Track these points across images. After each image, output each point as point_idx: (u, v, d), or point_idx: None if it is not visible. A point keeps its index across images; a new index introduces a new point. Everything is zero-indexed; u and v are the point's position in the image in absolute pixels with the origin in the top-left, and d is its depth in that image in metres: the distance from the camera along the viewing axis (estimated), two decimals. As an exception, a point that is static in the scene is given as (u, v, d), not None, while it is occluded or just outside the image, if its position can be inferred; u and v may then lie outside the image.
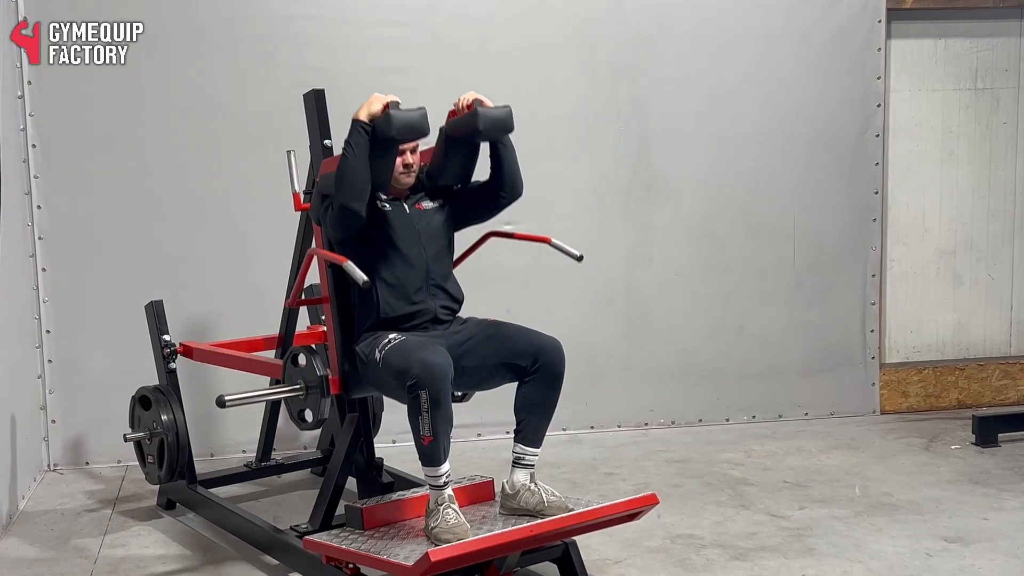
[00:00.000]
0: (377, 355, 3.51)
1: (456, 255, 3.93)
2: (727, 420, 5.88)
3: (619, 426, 5.78)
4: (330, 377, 3.77)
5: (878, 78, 5.85)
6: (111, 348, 5.24)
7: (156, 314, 4.58)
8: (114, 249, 5.26)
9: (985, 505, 4.42)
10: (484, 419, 5.49)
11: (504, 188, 3.80)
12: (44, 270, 5.22)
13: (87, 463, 5.31)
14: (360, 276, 3.43)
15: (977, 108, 6.03)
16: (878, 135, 5.88)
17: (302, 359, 3.91)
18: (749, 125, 5.77)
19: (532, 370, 3.54)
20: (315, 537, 3.52)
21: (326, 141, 4.12)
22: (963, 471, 4.90)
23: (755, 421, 5.89)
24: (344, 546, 3.37)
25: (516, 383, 3.60)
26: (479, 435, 5.55)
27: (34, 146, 5.15)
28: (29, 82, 5.11)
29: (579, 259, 3.97)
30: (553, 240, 4.00)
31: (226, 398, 3.80)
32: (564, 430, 5.70)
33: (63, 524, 4.45)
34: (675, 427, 5.81)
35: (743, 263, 5.84)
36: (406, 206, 3.73)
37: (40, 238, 5.20)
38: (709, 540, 4.07)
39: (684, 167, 5.73)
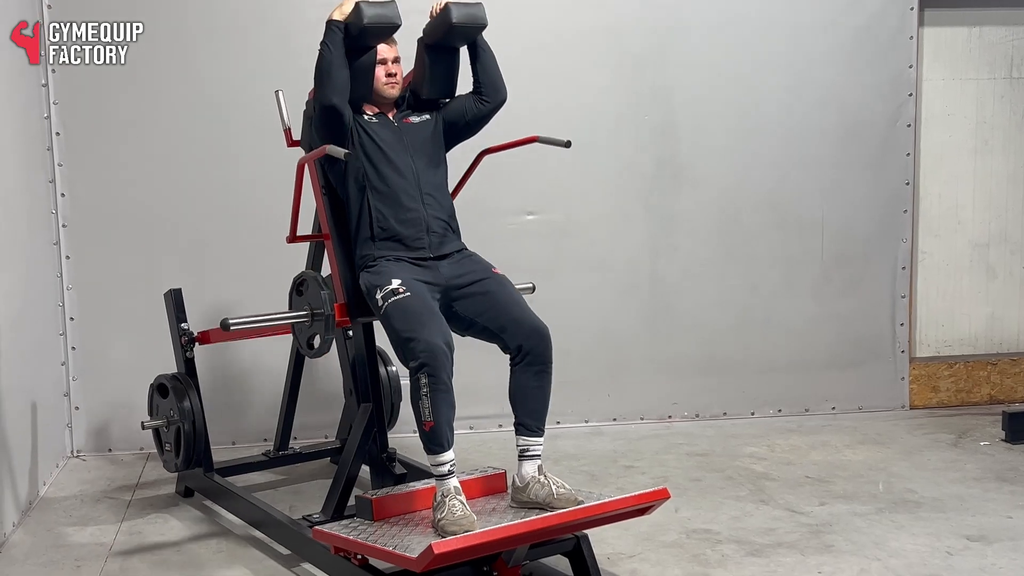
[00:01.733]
0: (380, 299, 3.53)
1: (452, 192, 3.99)
2: (752, 413, 5.80)
3: (642, 418, 5.73)
4: (335, 303, 3.81)
5: (910, 67, 5.74)
6: (135, 335, 5.27)
7: (175, 302, 4.59)
8: (137, 237, 5.28)
9: (1011, 503, 4.32)
10: (506, 409, 5.39)
11: (486, 91, 3.88)
12: (68, 257, 5.25)
13: (110, 450, 5.34)
14: (341, 150, 3.47)
15: (1012, 98, 5.89)
16: (909, 125, 5.77)
17: (307, 286, 3.91)
18: (776, 114, 5.68)
19: (519, 356, 3.54)
20: (324, 528, 3.50)
21: None
22: (990, 468, 4.80)
23: (780, 415, 5.81)
24: (352, 537, 3.35)
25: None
26: (500, 425, 5.51)
27: (58, 134, 5.18)
28: (53, 70, 5.13)
29: (567, 145, 4.03)
30: (540, 135, 4.07)
31: (230, 321, 3.81)
32: (586, 422, 5.66)
33: (82, 510, 4.48)
34: (699, 420, 5.75)
35: (770, 254, 5.76)
36: (393, 120, 3.80)
37: (64, 226, 5.23)
38: (726, 535, 4.01)
39: (709, 156, 5.66)
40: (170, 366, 4.65)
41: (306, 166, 3.87)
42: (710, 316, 5.75)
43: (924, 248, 5.90)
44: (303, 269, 4.60)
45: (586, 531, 3.59)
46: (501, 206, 5.44)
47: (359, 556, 3.40)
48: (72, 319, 5.27)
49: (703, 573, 3.66)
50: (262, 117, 5.25)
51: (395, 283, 3.51)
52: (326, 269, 4.39)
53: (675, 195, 5.66)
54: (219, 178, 5.32)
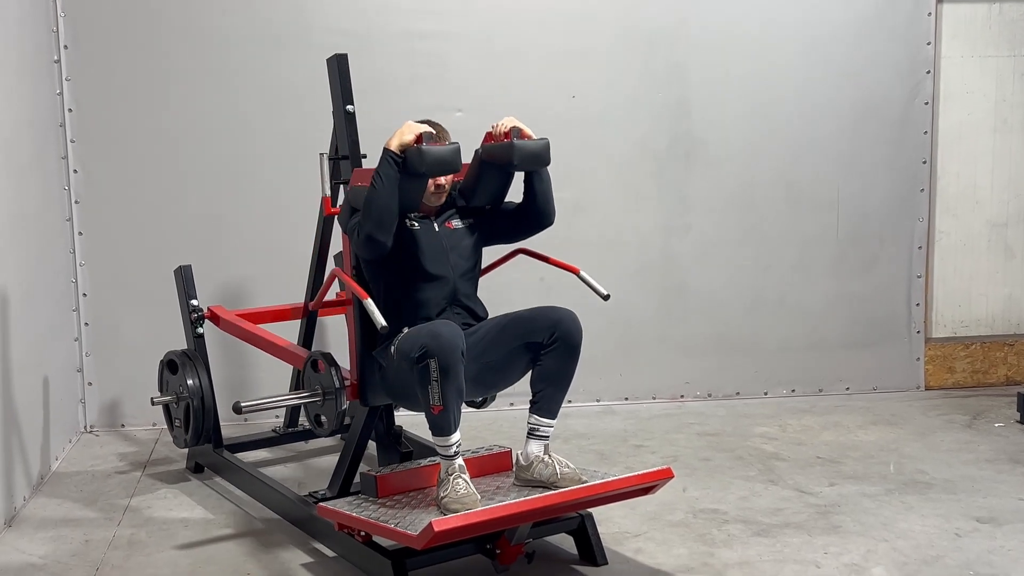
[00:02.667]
0: (392, 349, 3.49)
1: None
2: (765, 393, 5.77)
3: (654, 398, 5.71)
4: (348, 383, 3.74)
5: (928, 43, 5.67)
6: (147, 311, 5.28)
7: (184, 279, 4.60)
8: (149, 213, 5.29)
9: (1023, 485, 4.28)
10: (516, 388, 5.39)
11: (535, 217, 3.76)
12: (80, 234, 5.26)
13: (122, 425, 5.37)
14: (380, 321, 3.36)
15: (1033, 75, 5.83)
16: (927, 103, 5.71)
17: (321, 365, 3.88)
18: (791, 92, 5.63)
19: (549, 342, 3.48)
20: (328, 504, 3.51)
21: (348, 107, 4.09)
22: (1004, 449, 4.76)
23: (794, 395, 5.78)
24: (355, 513, 3.36)
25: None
26: (511, 404, 5.50)
27: (70, 110, 5.18)
28: (65, 46, 5.14)
29: (606, 298, 3.87)
30: (581, 272, 3.90)
31: (243, 405, 3.78)
32: (598, 401, 5.65)
33: (92, 485, 4.50)
34: (711, 400, 5.72)
35: (784, 233, 5.72)
36: (435, 224, 3.69)
37: (76, 202, 5.24)
38: (733, 515, 4.00)
39: (724, 134, 5.61)
40: (183, 343, 4.67)
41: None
42: (723, 295, 5.71)
43: (941, 228, 5.84)
44: (310, 255, 4.61)
45: (591, 510, 3.59)
46: (514, 185, 5.39)
47: (362, 533, 3.40)
48: (85, 295, 5.30)
49: (708, 552, 3.64)
50: (276, 94, 5.27)
51: (407, 329, 3.48)
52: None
53: (689, 173, 5.62)
54: (231, 155, 5.31)
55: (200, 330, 4.56)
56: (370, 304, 3.39)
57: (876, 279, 5.81)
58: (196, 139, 5.28)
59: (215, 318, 4.58)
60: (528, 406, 3.55)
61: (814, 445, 4.88)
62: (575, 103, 5.46)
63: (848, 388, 5.82)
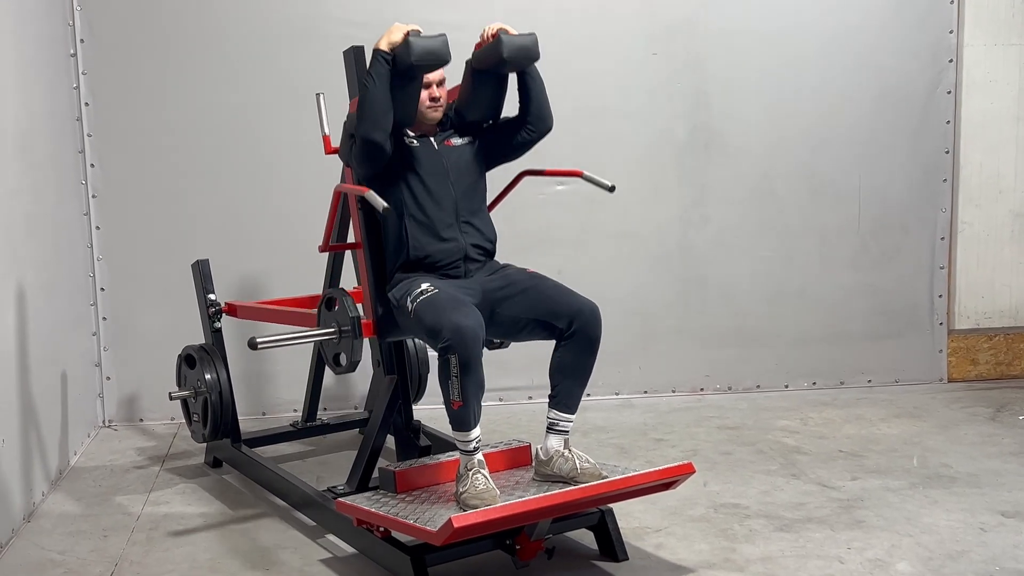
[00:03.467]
0: (409, 304, 3.46)
1: (490, 199, 3.88)
2: (786, 386, 5.73)
3: (673, 391, 5.67)
4: (363, 320, 3.74)
5: (950, 32, 5.60)
6: (165, 306, 5.28)
7: (202, 273, 4.59)
8: (167, 207, 5.29)
9: (1049, 479, 4.24)
10: (535, 382, 5.42)
11: (532, 121, 3.76)
12: (98, 228, 5.26)
13: (141, 420, 5.37)
14: (380, 203, 3.40)
15: (1057, 64, 5.74)
16: (950, 92, 5.64)
17: (336, 303, 3.88)
18: (812, 81, 5.57)
19: (568, 334, 3.45)
20: (347, 499, 3.49)
21: None
22: (1029, 443, 4.71)
23: (815, 388, 5.73)
24: (374, 509, 3.34)
25: (552, 343, 3.51)
26: (530, 398, 5.48)
27: (87, 104, 5.17)
28: (82, 40, 5.13)
29: (611, 189, 3.92)
30: (585, 172, 3.93)
31: (258, 340, 3.77)
32: (616, 394, 5.61)
33: (110, 480, 4.50)
34: (731, 393, 5.68)
35: (804, 224, 5.66)
36: (434, 142, 3.70)
37: (94, 196, 5.24)
38: (754, 510, 3.96)
39: (743, 125, 5.56)
40: (201, 337, 4.66)
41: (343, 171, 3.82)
42: (743, 287, 5.67)
43: (964, 218, 5.77)
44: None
45: (611, 505, 3.56)
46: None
47: (381, 528, 3.38)
48: (103, 289, 5.30)
49: (730, 548, 3.61)
50: (292, 86, 5.24)
51: (424, 285, 3.47)
52: (346, 278, 4.38)
53: (708, 164, 5.57)
54: (248, 148, 5.30)
55: (218, 324, 4.54)
56: (371, 194, 3.43)
57: (898, 270, 5.75)
58: (213, 132, 5.27)
59: (233, 310, 4.57)
60: (547, 400, 3.52)
61: (836, 438, 4.84)
62: (593, 94, 5.42)
63: (870, 380, 5.77)
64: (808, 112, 5.59)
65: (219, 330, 4.55)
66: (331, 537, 3.77)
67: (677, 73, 5.50)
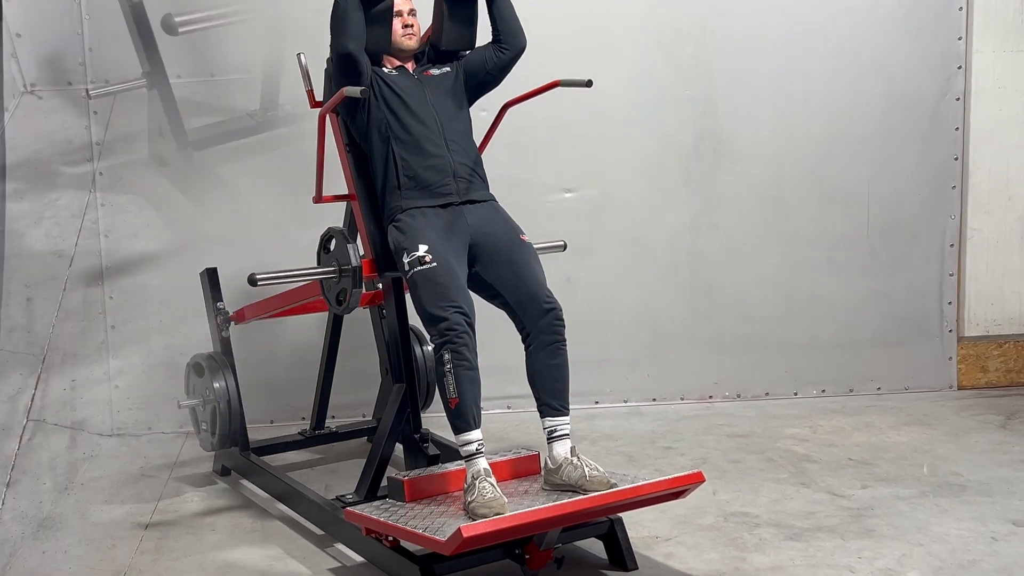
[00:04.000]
0: (406, 264, 3.51)
1: (479, 144, 3.96)
2: (795, 394, 5.71)
3: (682, 399, 5.65)
4: (363, 259, 3.80)
5: (959, 38, 5.58)
6: (175, 314, 5.27)
7: (210, 281, 4.59)
8: (175, 213, 5.28)
9: (1060, 487, 4.22)
10: (543, 389, 5.39)
11: (505, 39, 3.86)
12: (107, 236, 5.26)
13: (150, 428, 5.36)
14: (357, 88, 3.47)
15: (1066, 70, 5.72)
16: (958, 98, 5.62)
17: (334, 243, 3.89)
18: (821, 87, 5.56)
19: (530, 338, 3.50)
20: (356, 508, 3.49)
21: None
22: (1040, 451, 4.69)
23: (824, 395, 5.71)
24: (383, 518, 3.33)
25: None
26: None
27: (96, 112, 5.19)
28: (90, 49, 5.14)
29: (588, 84, 3.99)
30: (561, 80, 4.01)
31: (258, 276, 3.79)
32: (625, 402, 5.60)
33: (119, 488, 4.50)
34: (740, 400, 5.66)
35: (813, 231, 5.64)
36: (413, 73, 3.81)
37: (103, 205, 5.24)
38: (764, 519, 3.94)
39: (751, 130, 5.54)
40: (209, 344, 4.65)
41: (328, 123, 3.84)
42: (752, 294, 5.65)
43: (973, 225, 5.75)
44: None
45: (620, 514, 3.54)
46: (538, 183, 5.37)
47: (390, 538, 3.38)
48: (111, 298, 5.29)
49: (740, 557, 3.59)
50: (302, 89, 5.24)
51: (422, 249, 3.49)
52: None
53: (716, 170, 5.56)
54: (258, 154, 5.29)
55: (226, 333, 4.54)
56: (348, 88, 3.48)
57: (907, 277, 5.73)
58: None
59: (242, 317, 4.57)
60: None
61: (846, 446, 4.82)
62: (599, 99, 5.39)
63: (879, 388, 5.75)
64: (816, 118, 5.57)
65: (228, 338, 4.55)
66: (340, 546, 3.77)
67: (686, 80, 5.49)
